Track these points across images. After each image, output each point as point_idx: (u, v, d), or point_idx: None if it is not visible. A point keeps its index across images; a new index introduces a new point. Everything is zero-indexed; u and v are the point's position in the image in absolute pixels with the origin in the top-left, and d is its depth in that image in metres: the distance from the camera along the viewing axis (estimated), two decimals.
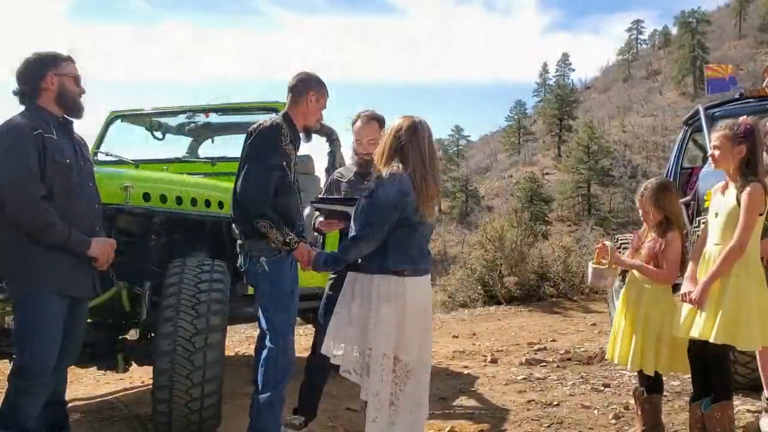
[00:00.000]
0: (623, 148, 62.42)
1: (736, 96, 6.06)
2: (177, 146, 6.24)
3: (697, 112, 6.32)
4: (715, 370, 3.43)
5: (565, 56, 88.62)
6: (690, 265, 3.55)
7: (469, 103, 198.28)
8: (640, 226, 4.01)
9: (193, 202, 4.21)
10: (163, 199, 4.05)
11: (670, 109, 69.88)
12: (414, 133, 3.19)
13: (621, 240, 7.54)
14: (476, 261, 12.28)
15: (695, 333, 3.34)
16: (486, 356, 6.81)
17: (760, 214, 3.36)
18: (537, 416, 4.42)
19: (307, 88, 3.52)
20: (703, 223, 3.84)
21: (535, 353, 6.96)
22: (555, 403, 4.70)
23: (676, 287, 3.72)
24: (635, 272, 3.78)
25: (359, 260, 3.21)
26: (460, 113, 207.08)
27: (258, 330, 3.64)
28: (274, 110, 5.36)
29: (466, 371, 6.17)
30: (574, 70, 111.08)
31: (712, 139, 3.53)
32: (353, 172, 4.14)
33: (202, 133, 5.92)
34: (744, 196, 3.32)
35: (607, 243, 3.86)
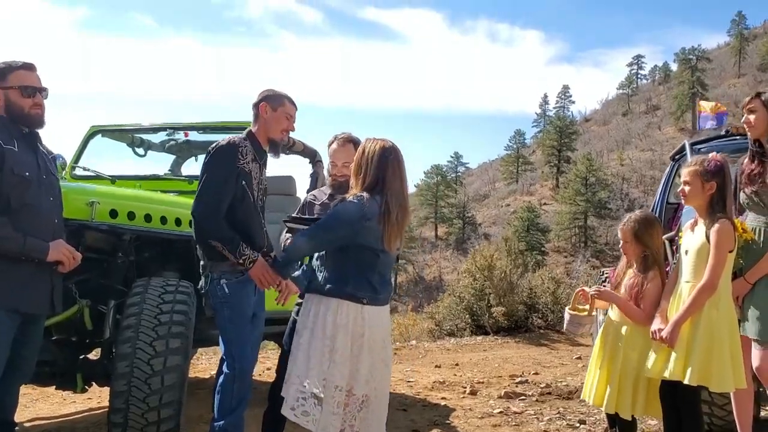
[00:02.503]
0: (621, 182, 62.62)
1: (722, 132, 6.02)
2: (160, 163, 6.20)
3: (683, 148, 6.28)
4: (686, 413, 3.33)
5: (566, 88, 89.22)
6: (661, 303, 3.47)
7: (469, 131, 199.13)
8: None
9: (163, 220, 4.12)
10: (131, 216, 3.97)
11: (668, 144, 70.15)
12: (396, 159, 3.16)
13: (606, 273, 7.46)
14: (465, 289, 12.18)
15: (667, 373, 3.25)
16: (465, 387, 6.69)
17: (730, 251, 3.30)
18: None
19: (260, 101, 3.46)
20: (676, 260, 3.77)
21: (516, 386, 6.84)
22: None
23: None
24: (612, 314, 3.70)
25: (318, 284, 3.14)
26: (459, 140, 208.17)
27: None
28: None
29: (443, 402, 6.05)
30: (574, 102, 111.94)
31: (683, 174, 3.48)
32: (327, 195, 4.07)
33: (183, 151, 5.86)
34: (713, 234, 3.27)
35: (587, 289, 3.78)
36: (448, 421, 5.30)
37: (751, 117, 3.61)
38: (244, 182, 3.33)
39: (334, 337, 3.04)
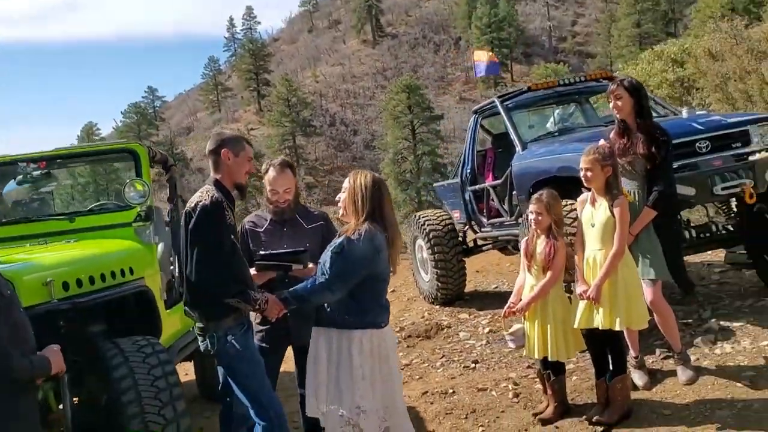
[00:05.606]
0: (319, 98, 65.30)
1: (524, 89, 7.07)
2: None
3: (489, 103, 7.28)
4: (613, 350, 4.25)
5: (250, 9, 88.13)
6: (578, 269, 4.29)
7: (157, 61, 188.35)
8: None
9: (103, 277, 3.84)
10: (79, 283, 3.65)
11: (354, 57, 74.50)
12: (385, 188, 3.42)
13: (423, 217, 8.25)
14: None
15: (598, 324, 4.10)
16: None
17: None
18: (447, 408, 4.95)
19: (220, 148, 3.46)
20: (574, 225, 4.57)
21: None
22: (450, 391, 5.26)
23: None
24: (530, 283, 4.43)
25: (334, 316, 3.35)
26: (150, 72, 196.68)
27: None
28: (129, 152, 5.00)
29: None
30: (260, 23, 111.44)
31: (583, 162, 4.21)
32: (268, 220, 4.12)
33: (40, 182, 5.20)
34: (617, 210, 4.11)
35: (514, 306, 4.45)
36: None
37: (619, 102, 4.48)
38: (232, 236, 3.36)
39: (363, 365, 3.30)
